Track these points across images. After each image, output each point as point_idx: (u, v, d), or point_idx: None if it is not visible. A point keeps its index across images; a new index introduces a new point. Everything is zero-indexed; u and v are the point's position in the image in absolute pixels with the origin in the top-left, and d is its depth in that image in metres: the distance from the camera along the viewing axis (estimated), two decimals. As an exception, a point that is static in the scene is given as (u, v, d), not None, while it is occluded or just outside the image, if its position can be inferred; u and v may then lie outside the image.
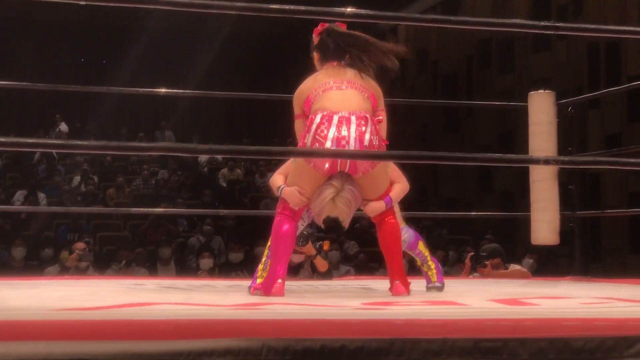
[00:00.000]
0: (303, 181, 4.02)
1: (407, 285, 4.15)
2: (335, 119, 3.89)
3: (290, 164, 4.21)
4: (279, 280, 3.96)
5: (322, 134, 3.88)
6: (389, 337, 2.32)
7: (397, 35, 19.34)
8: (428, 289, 4.60)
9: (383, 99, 4.15)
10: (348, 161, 3.95)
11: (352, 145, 3.87)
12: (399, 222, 4.29)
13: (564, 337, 2.40)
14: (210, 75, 19.11)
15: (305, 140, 3.94)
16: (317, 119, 3.91)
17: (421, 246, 4.64)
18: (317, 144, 3.88)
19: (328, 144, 3.86)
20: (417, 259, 4.68)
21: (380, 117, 4.06)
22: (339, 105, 3.94)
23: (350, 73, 4.10)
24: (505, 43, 16.35)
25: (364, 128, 3.90)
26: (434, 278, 4.62)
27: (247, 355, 2.22)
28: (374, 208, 4.14)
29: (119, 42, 20.40)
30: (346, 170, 3.98)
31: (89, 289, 4.46)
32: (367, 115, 3.94)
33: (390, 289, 4.15)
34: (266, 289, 3.97)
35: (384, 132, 4.08)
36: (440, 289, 4.57)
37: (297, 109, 4.14)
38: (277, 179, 4.19)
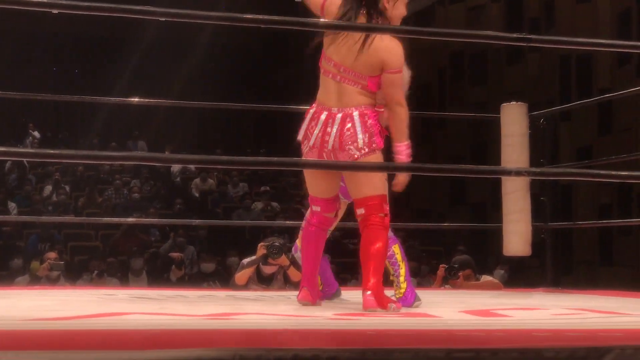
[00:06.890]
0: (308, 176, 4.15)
1: (381, 298, 3.74)
2: (323, 117, 4.00)
3: None
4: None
5: (311, 130, 4.03)
6: (361, 347, 2.32)
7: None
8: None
9: (398, 55, 3.98)
10: (332, 155, 4.00)
11: (330, 144, 3.96)
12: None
13: (535, 347, 2.41)
14: (185, 85, 19.06)
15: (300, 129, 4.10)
16: (309, 115, 4.06)
17: (397, 254, 4.33)
18: (306, 141, 4.04)
19: (312, 142, 4.01)
20: (390, 268, 4.25)
21: (382, 109, 4.04)
22: (331, 99, 4.01)
23: (352, 45, 3.96)
24: (477, 55, 16.40)
25: (348, 125, 3.95)
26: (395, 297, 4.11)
27: (219, 365, 2.21)
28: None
29: (92, 51, 20.33)
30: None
31: (60, 299, 4.44)
32: (355, 112, 3.96)
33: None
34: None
35: (398, 93, 4.00)
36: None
37: None
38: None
